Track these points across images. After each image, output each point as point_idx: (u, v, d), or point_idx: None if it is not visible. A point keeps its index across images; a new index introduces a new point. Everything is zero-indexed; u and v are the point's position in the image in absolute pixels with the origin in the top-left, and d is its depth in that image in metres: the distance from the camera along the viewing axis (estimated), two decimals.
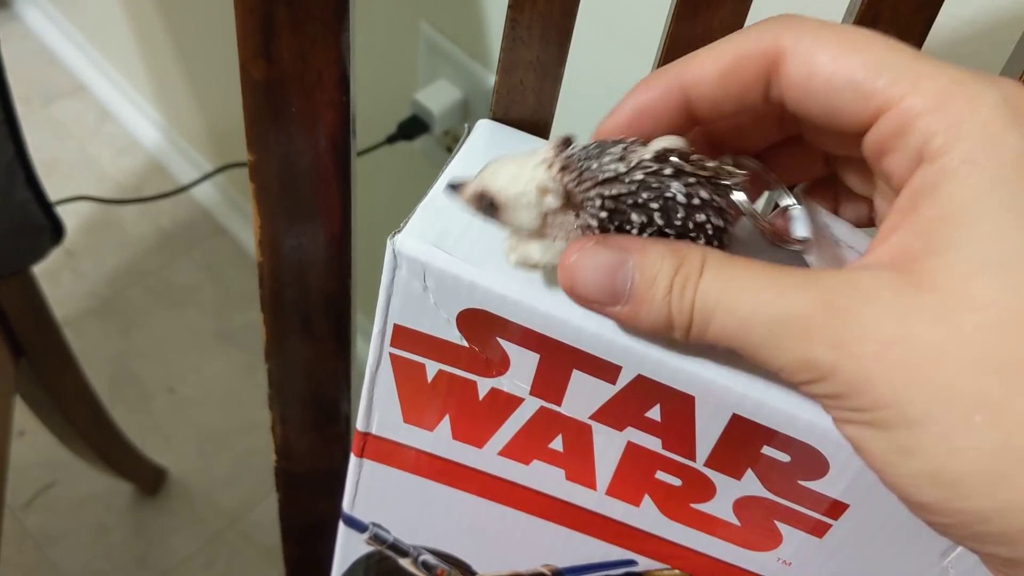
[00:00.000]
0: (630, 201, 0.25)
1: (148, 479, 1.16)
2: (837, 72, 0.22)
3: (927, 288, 0.20)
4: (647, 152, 0.25)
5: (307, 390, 0.40)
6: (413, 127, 0.81)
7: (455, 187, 0.28)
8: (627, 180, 0.25)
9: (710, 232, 0.25)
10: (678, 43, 0.31)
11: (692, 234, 0.25)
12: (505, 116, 0.34)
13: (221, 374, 1.27)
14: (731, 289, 0.23)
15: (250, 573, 1.14)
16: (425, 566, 0.38)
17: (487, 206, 0.27)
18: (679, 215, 0.25)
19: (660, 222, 0.25)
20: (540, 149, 0.27)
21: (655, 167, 0.25)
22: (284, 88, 0.31)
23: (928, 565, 0.30)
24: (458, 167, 0.32)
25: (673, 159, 0.25)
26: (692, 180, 0.25)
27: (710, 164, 0.25)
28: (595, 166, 0.25)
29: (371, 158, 0.84)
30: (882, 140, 0.22)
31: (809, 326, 0.21)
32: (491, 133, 0.34)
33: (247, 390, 1.25)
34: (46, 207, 0.65)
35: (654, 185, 0.25)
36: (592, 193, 0.25)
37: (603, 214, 0.26)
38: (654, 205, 0.25)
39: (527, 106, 0.33)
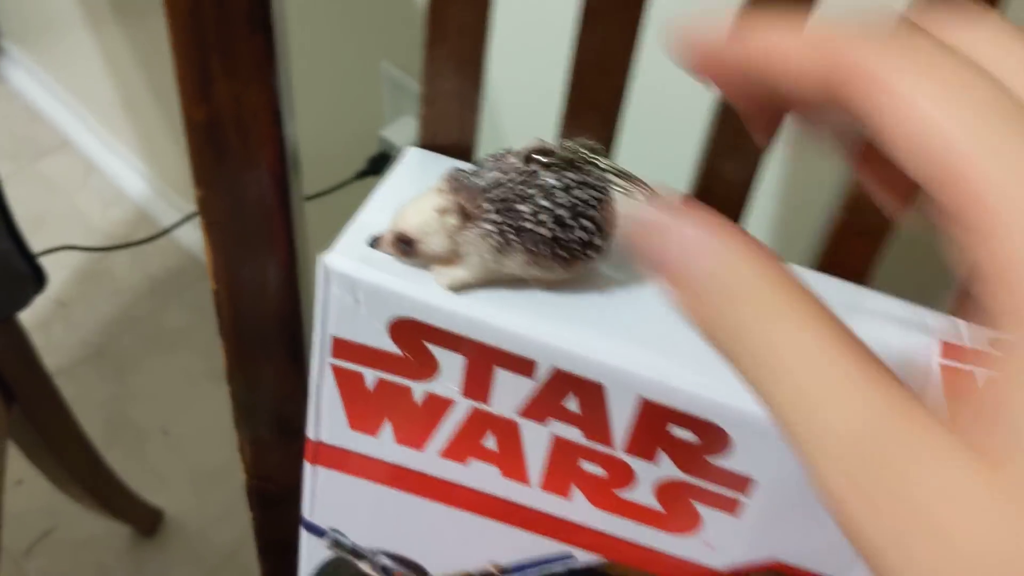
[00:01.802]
0: (513, 197, 0.29)
1: (145, 520, 1.18)
2: (927, 143, 0.17)
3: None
4: (515, 157, 0.29)
5: (270, 409, 0.43)
6: (382, 162, 0.84)
7: (375, 242, 0.32)
8: (506, 183, 0.28)
9: (596, 204, 0.29)
10: (587, 51, 0.34)
11: (580, 209, 0.29)
12: (432, 143, 0.37)
13: (214, 413, 1.29)
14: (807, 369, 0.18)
15: None
16: (383, 570, 0.40)
17: (404, 246, 0.31)
18: (559, 198, 0.29)
19: (547, 204, 0.29)
20: (436, 181, 0.30)
21: (525, 167, 0.29)
22: (223, 128, 0.34)
23: (839, 536, 0.32)
24: (387, 191, 0.35)
25: (535, 156, 0.29)
26: (558, 168, 0.29)
27: (566, 148, 0.29)
28: (479, 181, 0.29)
29: (343, 193, 0.88)
30: (956, 218, 0.17)
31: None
32: (419, 159, 0.37)
33: None
34: (27, 256, 0.68)
35: (529, 179, 0.28)
36: (482, 202, 0.29)
37: (496, 216, 0.29)
38: (534, 193, 0.28)
39: (451, 133, 0.36)
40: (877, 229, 0.35)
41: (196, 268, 1.43)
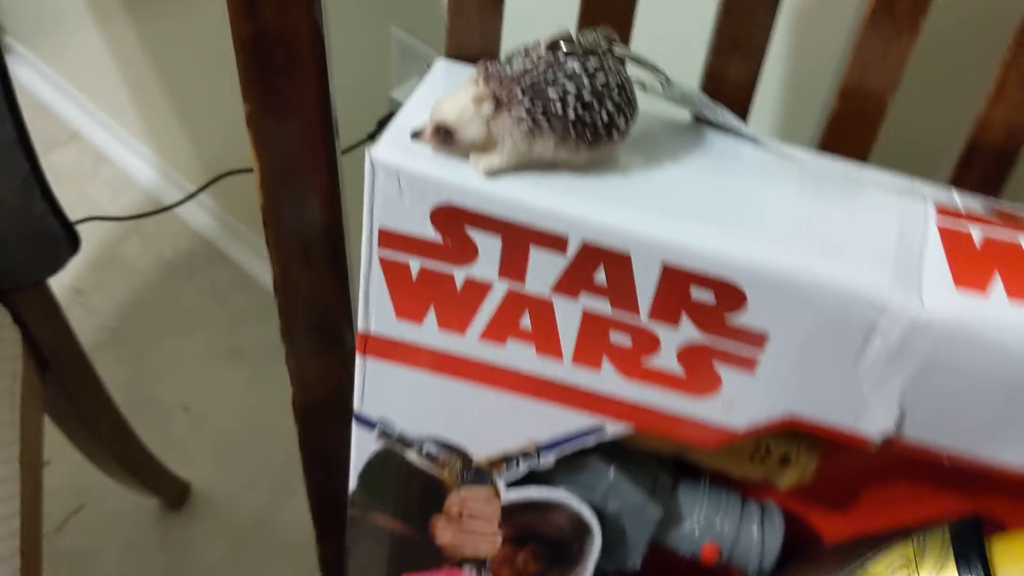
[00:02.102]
0: (541, 83, 0.32)
1: (173, 492, 1.21)
2: None
3: None
4: (540, 48, 0.32)
5: (313, 320, 0.46)
6: None
7: (416, 135, 0.35)
8: (534, 71, 0.32)
9: (616, 88, 0.33)
10: None
11: (602, 92, 0.32)
12: (458, 53, 0.40)
13: (232, 388, 1.33)
14: None
15: (279, 572, 1.19)
16: (429, 457, 0.43)
17: (444, 135, 0.34)
18: (585, 81, 0.32)
19: (572, 88, 0.32)
20: (470, 74, 0.34)
21: (550, 56, 0.32)
22: (269, 44, 0.38)
23: (848, 384, 0.36)
24: (422, 94, 0.38)
25: (561, 43, 0.32)
26: (580, 55, 0.32)
27: (587, 37, 0.33)
28: (510, 70, 0.32)
29: (355, 154, 0.91)
30: None
31: None
32: (446, 69, 0.40)
33: (258, 401, 1.30)
34: (62, 218, 0.71)
35: (554, 67, 0.32)
36: (514, 89, 0.32)
37: (526, 101, 0.32)
38: (560, 79, 0.32)
39: (475, 43, 0.39)
40: (872, 113, 0.39)
41: (207, 251, 1.46)
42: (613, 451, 0.44)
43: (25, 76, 1.63)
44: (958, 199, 0.37)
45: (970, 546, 0.41)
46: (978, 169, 0.39)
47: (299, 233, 0.43)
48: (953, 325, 0.32)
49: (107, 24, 1.33)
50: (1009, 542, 0.42)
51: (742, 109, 0.40)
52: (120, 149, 1.53)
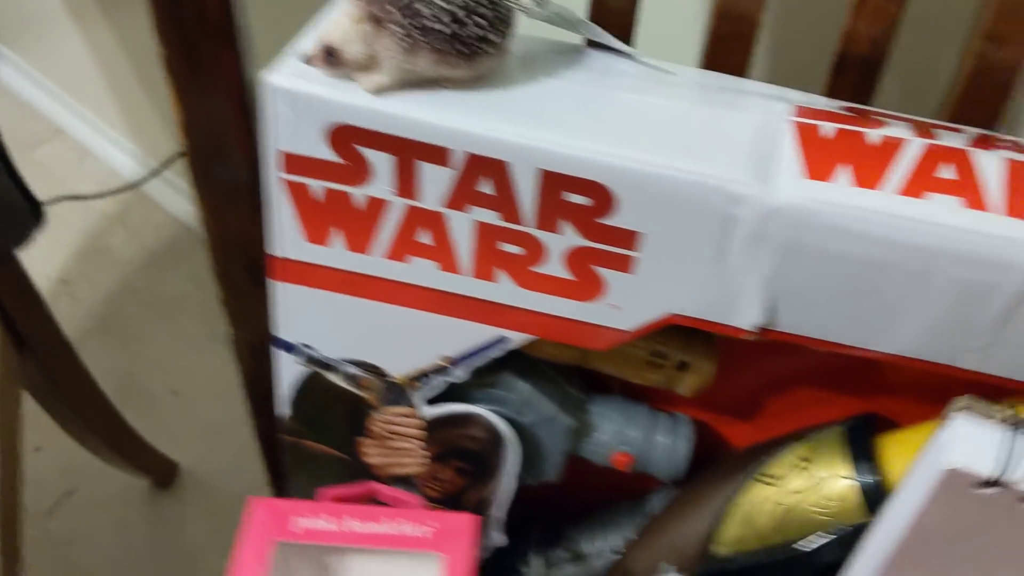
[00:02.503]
0: (416, 2, 0.34)
1: (162, 471, 1.24)
2: None
3: None
4: None
5: (242, 256, 0.49)
6: None
7: (306, 60, 0.37)
8: None
9: (487, 4, 0.35)
10: None
11: (472, 7, 0.34)
12: None
13: (219, 372, 1.35)
14: None
15: None
16: (351, 379, 0.46)
17: (330, 57, 0.36)
18: None
19: (443, 5, 0.34)
20: None
21: None
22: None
23: (718, 278, 0.38)
24: (316, 25, 0.40)
25: None
26: None
27: None
28: None
29: None
30: None
31: None
32: None
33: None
34: (24, 190, 0.73)
35: None
36: (387, 6, 0.35)
37: (400, 18, 0.35)
38: None
39: None
40: (746, 32, 0.41)
41: (190, 239, 1.49)
42: (525, 367, 0.47)
43: (8, 76, 1.66)
44: (821, 102, 0.39)
45: (861, 443, 0.44)
46: (848, 79, 0.41)
47: (221, 170, 0.45)
48: (803, 210, 0.35)
49: (86, 24, 1.37)
50: (899, 438, 0.44)
51: (626, 34, 0.43)
52: (103, 143, 1.56)
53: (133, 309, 1.43)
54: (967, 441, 0.34)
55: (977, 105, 0.40)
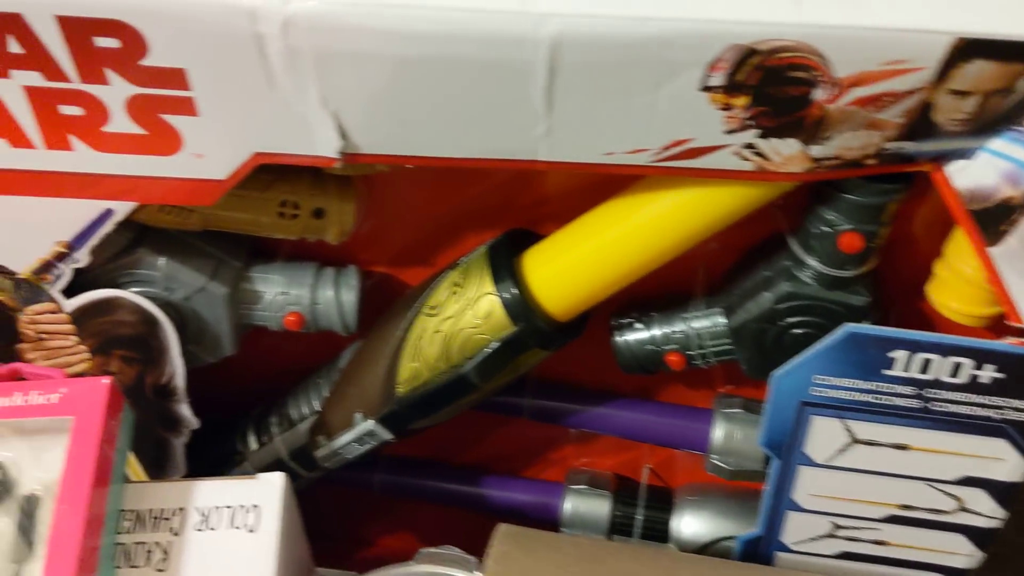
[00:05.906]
0: None
1: None
2: None
3: None
4: None
5: None
6: None
7: None
8: None
9: None
10: None
11: None
12: None
13: None
14: None
15: None
16: None
17: None
18: None
19: None
20: None
21: None
22: None
23: (284, 109, 0.36)
24: None
25: None
26: None
27: None
28: None
29: None
30: None
31: None
32: None
33: None
34: None
35: None
36: None
37: None
38: None
39: None
40: None
41: None
42: (164, 243, 0.45)
43: None
44: None
45: (501, 258, 0.43)
46: None
47: None
48: (316, 14, 0.33)
49: None
50: (540, 247, 0.44)
51: None
52: None
53: None
54: None
55: None
